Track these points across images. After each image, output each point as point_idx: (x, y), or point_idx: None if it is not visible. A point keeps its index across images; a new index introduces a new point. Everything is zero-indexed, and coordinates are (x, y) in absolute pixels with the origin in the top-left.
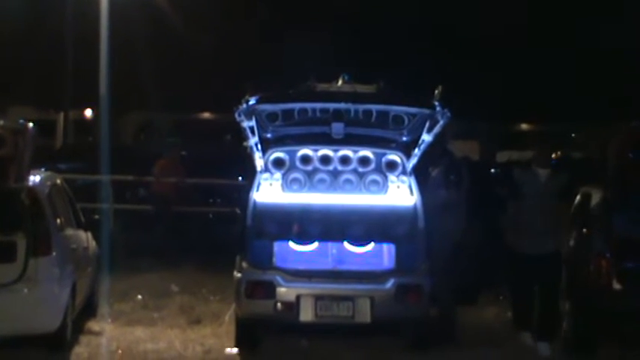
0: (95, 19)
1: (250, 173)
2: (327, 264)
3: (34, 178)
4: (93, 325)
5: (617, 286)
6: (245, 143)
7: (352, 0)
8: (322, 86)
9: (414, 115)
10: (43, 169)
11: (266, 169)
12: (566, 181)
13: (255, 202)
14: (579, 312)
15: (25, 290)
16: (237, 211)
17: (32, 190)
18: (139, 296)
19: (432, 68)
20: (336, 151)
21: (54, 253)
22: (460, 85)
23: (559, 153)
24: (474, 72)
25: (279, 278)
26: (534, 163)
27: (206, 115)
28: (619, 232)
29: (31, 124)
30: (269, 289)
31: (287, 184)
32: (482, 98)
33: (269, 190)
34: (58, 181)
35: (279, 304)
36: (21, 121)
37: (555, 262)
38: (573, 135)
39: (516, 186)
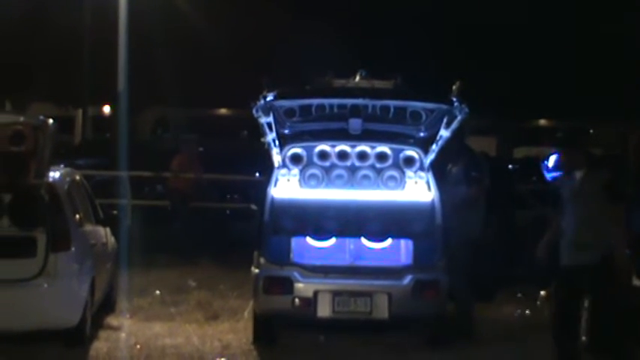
0: (113, 15)
1: (268, 169)
2: (344, 260)
3: (54, 174)
4: (112, 320)
5: (637, 282)
6: (262, 139)
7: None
8: (340, 82)
9: (431, 110)
10: (62, 165)
11: (283, 165)
12: (607, 179)
13: (272, 198)
14: (599, 309)
15: (45, 285)
16: (254, 207)
17: (52, 186)
18: (157, 292)
19: (448, 64)
20: (353, 146)
21: (73, 249)
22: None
23: None
24: (491, 67)
25: (296, 274)
26: (566, 164)
27: (223, 111)
28: (638, 228)
29: (51, 121)
30: (286, 284)
31: (304, 180)
32: (499, 94)
33: (286, 186)
34: (77, 177)
35: (296, 300)
36: (41, 117)
37: (599, 274)
38: (591, 131)
39: (558, 192)
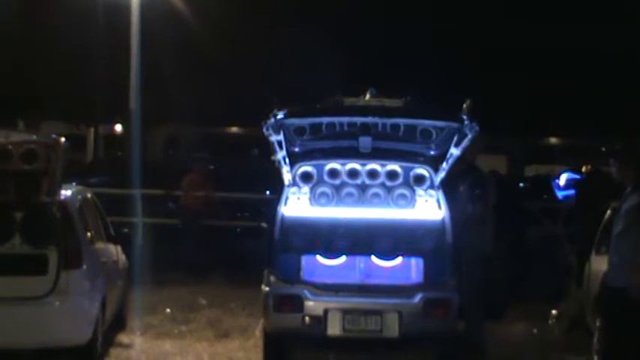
0: (125, 34)
1: (278, 187)
2: (354, 278)
3: (66, 192)
4: (122, 337)
5: None
6: (273, 157)
7: (378, 14)
8: (350, 100)
9: (442, 128)
10: (74, 183)
11: (294, 183)
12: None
13: (282, 216)
14: (611, 327)
15: (57, 303)
16: (264, 225)
17: (63, 204)
18: (168, 309)
19: (458, 81)
20: (363, 165)
21: (84, 266)
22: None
23: (589, 167)
24: (501, 86)
25: (306, 292)
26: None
27: (234, 129)
28: None
29: (63, 139)
30: (297, 302)
31: (315, 198)
32: (509, 112)
33: (297, 204)
34: (89, 195)
35: (306, 318)
36: (53, 135)
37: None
38: (603, 149)
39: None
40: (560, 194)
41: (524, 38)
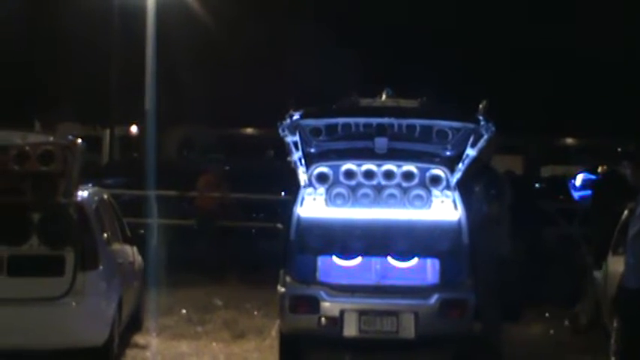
0: (140, 35)
1: (294, 188)
2: (370, 279)
3: (82, 194)
4: (139, 338)
5: None
6: (289, 158)
7: (393, 16)
8: (365, 101)
9: (458, 129)
10: (90, 185)
11: (310, 184)
12: None
13: (299, 217)
14: (627, 328)
15: (73, 304)
16: (280, 226)
17: (80, 205)
18: (184, 310)
19: (474, 81)
20: (379, 165)
21: (101, 267)
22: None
23: (605, 167)
24: (518, 86)
25: (322, 293)
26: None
27: (249, 130)
28: None
29: (79, 140)
30: (313, 303)
31: (331, 199)
32: (525, 112)
33: (313, 205)
34: (105, 196)
35: (322, 319)
36: (69, 137)
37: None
38: (619, 149)
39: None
40: (576, 195)
41: (539, 39)
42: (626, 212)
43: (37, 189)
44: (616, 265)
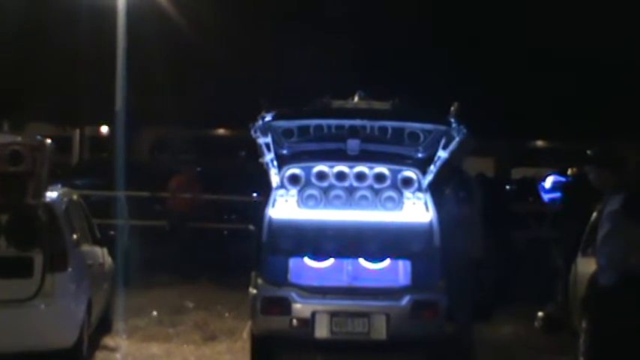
0: (111, 35)
1: (266, 189)
2: (342, 280)
3: (51, 194)
4: (108, 340)
5: None
6: (261, 159)
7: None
8: (338, 103)
9: (429, 131)
10: (59, 185)
11: (281, 186)
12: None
13: (270, 219)
14: (597, 328)
15: (42, 306)
16: (252, 227)
17: (49, 206)
18: (154, 312)
19: (446, 84)
20: (351, 167)
21: (70, 269)
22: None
23: (574, 170)
24: (488, 88)
25: (294, 294)
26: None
27: (221, 131)
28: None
29: (48, 141)
30: (284, 305)
31: (302, 201)
32: (496, 115)
33: (285, 207)
34: (75, 197)
35: (294, 321)
36: (38, 137)
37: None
38: (588, 152)
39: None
40: (546, 197)
41: (509, 40)
42: (595, 214)
43: (5, 190)
44: (585, 266)
